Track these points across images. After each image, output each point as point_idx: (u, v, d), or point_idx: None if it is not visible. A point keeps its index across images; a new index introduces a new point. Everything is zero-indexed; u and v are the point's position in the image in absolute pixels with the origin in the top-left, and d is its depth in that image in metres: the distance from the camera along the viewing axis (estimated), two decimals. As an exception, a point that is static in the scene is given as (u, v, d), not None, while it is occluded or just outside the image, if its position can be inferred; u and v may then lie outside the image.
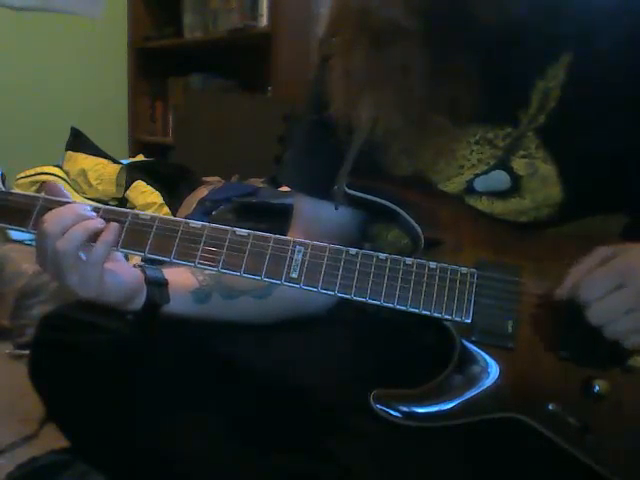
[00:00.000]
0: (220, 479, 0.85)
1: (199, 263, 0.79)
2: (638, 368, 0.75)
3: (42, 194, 0.84)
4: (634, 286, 0.71)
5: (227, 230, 0.80)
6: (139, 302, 0.86)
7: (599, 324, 0.72)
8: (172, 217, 0.82)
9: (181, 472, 0.86)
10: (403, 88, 0.85)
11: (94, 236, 0.79)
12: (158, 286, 0.88)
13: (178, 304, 0.89)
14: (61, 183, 2.25)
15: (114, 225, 0.80)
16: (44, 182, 2.24)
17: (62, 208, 0.80)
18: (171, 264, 0.83)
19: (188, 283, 0.91)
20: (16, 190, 0.85)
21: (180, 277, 0.90)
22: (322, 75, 0.92)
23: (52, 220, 0.78)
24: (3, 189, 0.84)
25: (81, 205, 0.81)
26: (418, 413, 0.77)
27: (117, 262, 0.85)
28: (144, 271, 0.87)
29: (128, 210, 0.83)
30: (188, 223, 0.81)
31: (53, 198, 0.83)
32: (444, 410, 0.77)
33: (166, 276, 0.89)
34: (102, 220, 0.80)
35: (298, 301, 0.95)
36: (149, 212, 2.24)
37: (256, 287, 0.93)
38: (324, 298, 0.88)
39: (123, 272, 0.84)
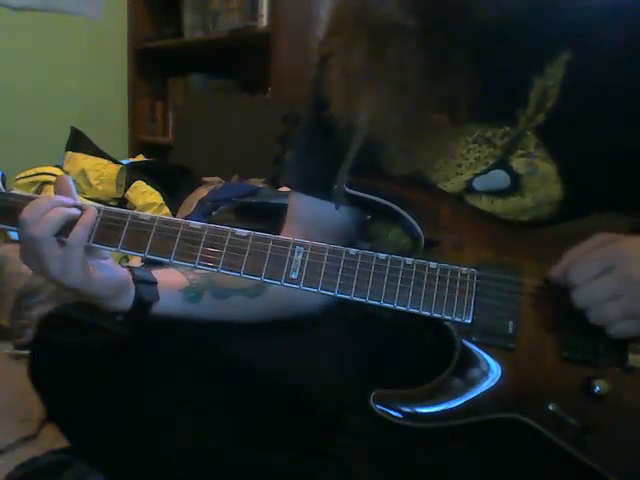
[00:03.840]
0: (220, 479, 0.85)
1: (199, 264, 0.79)
2: (638, 368, 0.75)
3: (42, 194, 0.84)
4: (621, 271, 0.71)
5: (227, 231, 0.80)
6: (127, 301, 0.86)
7: (583, 307, 0.72)
8: (172, 218, 0.82)
9: (181, 472, 0.86)
10: (401, 87, 0.85)
11: (72, 224, 0.79)
12: (147, 284, 0.87)
13: (168, 303, 0.89)
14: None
15: (93, 209, 0.80)
16: (44, 182, 2.24)
17: (39, 198, 0.80)
18: (162, 266, 0.83)
19: (178, 282, 0.90)
20: (16, 191, 0.84)
21: (170, 277, 0.90)
22: (321, 74, 0.92)
23: (28, 209, 0.79)
24: (3, 190, 0.84)
25: (59, 196, 0.81)
26: (418, 413, 0.77)
27: (104, 259, 0.84)
28: (132, 270, 0.87)
29: (128, 211, 0.83)
30: (188, 224, 0.81)
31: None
32: (444, 411, 0.77)
33: (155, 276, 0.89)
34: (79, 210, 0.80)
35: (290, 300, 0.95)
36: (149, 212, 2.25)
37: (248, 286, 0.92)
38: (318, 297, 0.87)
39: (110, 267, 0.84)
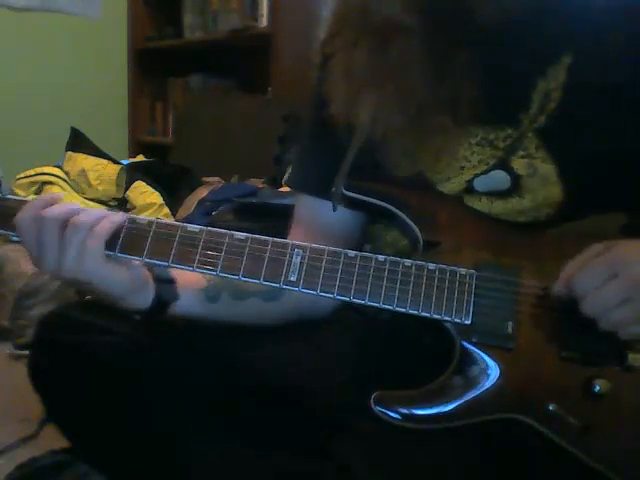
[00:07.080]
0: (220, 479, 0.86)
1: (197, 267, 0.79)
2: (638, 367, 0.75)
3: (32, 197, 0.83)
4: (628, 275, 0.71)
5: (225, 234, 0.80)
6: (146, 299, 0.85)
7: (595, 315, 0.72)
8: (169, 221, 0.82)
9: (181, 472, 0.86)
10: (404, 87, 0.85)
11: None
12: (166, 283, 0.86)
13: (187, 303, 0.88)
14: (62, 183, 2.25)
15: (122, 213, 0.80)
16: (44, 182, 2.24)
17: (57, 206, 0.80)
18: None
19: (197, 282, 0.90)
20: (10, 196, 0.84)
21: (189, 276, 0.88)
22: (323, 75, 0.92)
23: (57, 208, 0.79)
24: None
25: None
26: (418, 415, 0.77)
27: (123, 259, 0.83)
28: (150, 268, 0.86)
29: (125, 214, 0.82)
30: (186, 227, 0.80)
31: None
32: (444, 412, 0.77)
33: (174, 275, 0.88)
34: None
35: (305, 304, 0.94)
36: (149, 213, 2.23)
37: (265, 289, 0.91)
38: (330, 302, 0.87)
39: (128, 264, 0.82)
